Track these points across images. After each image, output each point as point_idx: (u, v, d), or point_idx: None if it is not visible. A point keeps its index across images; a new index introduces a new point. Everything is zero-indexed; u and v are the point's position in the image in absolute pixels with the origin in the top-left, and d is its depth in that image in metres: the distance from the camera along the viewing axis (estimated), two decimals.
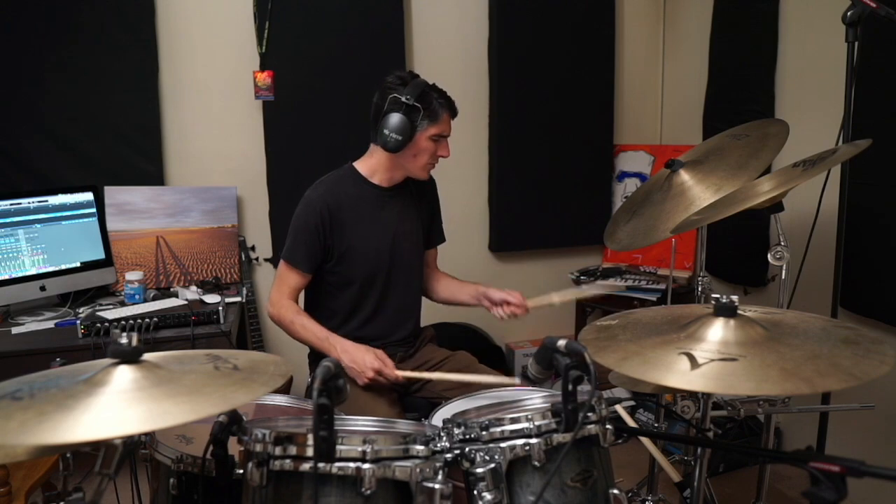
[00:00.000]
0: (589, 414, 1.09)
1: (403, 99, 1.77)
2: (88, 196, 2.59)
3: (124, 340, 0.96)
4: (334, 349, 1.81)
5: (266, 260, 3.00)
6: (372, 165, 1.94)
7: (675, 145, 3.29)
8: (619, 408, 1.72)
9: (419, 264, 2.06)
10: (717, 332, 1.07)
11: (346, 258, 1.91)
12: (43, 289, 2.44)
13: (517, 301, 1.92)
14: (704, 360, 0.99)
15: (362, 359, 1.77)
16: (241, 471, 1.06)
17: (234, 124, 2.90)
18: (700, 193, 1.75)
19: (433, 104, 1.81)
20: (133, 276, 2.50)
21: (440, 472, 1.04)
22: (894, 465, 0.86)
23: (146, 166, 2.77)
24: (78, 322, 2.15)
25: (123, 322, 2.17)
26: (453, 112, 1.87)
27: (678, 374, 0.98)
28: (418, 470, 1.01)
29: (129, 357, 0.95)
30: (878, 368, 0.94)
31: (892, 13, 1.59)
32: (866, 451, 2.26)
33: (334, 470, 0.97)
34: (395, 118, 1.77)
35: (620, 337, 1.15)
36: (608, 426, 1.12)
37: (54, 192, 2.51)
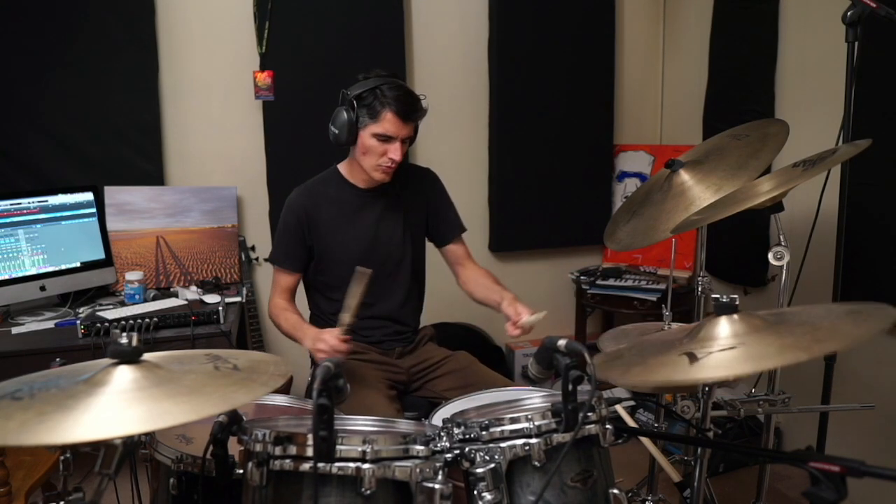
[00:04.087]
0: (589, 414, 1.09)
1: (346, 94, 1.80)
2: (88, 196, 2.59)
3: (124, 340, 0.96)
4: (306, 338, 1.77)
5: (266, 260, 3.00)
6: (348, 167, 1.96)
7: (675, 145, 3.29)
8: (619, 408, 1.72)
9: (408, 267, 2.01)
10: (719, 330, 1.06)
11: (325, 260, 1.94)
12: (43, 289, 2.44)
13: (515, 319, 1.68)
14: (704, 355, 0.99)
15: (318, 338, 1.69)
16: (241, 471, 1.06)
17: (234, 124, 2.90)
18: (700, 193, 1.75)
19: (373, 102, 1.77)
20: (133, 276, 2.50)
21: (440, 472, 1.04)
22: (894, 465, 0.86)
23: (146, 166, 2.77)
24: (78, 322, 2.15)
25: (123, 322, 2.17)
26: (402, 114, 1.77)
27: (679, 370, 0.98)
28: (418, 470, 1.01)
29: (129, 357, 0.95)
30: (880, 324, 0.92)
31: (892, 13, 1.59)
32: (866, 451, 2.26)
33: (334, 470, 0.97)
34: (338, 112, 1.82)
35: (625, 357, 1.16)
36: (608, 426, 1.12)
37: (54, 192, 2.51)
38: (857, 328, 0.93)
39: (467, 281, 2.03)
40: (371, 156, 1.82)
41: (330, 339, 1.64)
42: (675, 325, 1.32)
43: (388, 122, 1.77)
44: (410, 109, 1.79)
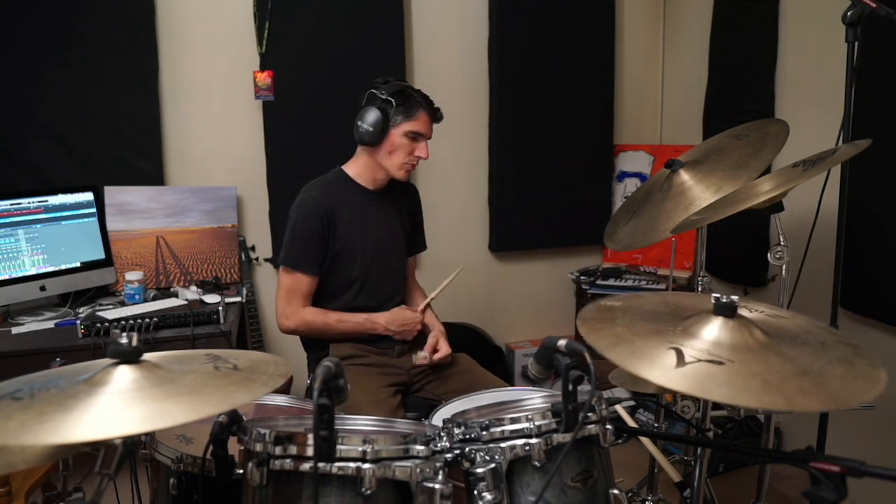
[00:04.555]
0: (589, 414, 1.09)
1: (379, 94, 1.85)
2: (88, 196, 2.59)
3: (124, 340, 0.96)
4: (379, 325, 1.93)
5: (266, 260, 3.00)
6: (357, 167, 1.97)
7: (675, 145, 3.29)
8: (619, 408, 1.72)
9: (403, 268, 2.10)
10: (713, 330, 1.04)
11: (338, 260, 1.93)
12: (43, 289, 2.43)
13: (428, 348, 1.96)
14: (692, 359, 0.97)
15: (403, 320, 1.94)
16: (241, 471, 1.06)
17: (234, 124, 2.90)
18: (700, 193, 1.75)
19: (409, 101, 1.86)
20: (133, 276, 2.50)
21: (440, 472, 1.04)
22: (894, 465, 0.85)
23: (146, 166, 2.77)
24: (78, 322, 2.15)
25: (123, 322, 2.17)
26: (433, 114, 1.90)
27: (661, 370, 0.95)
28: (418, 470, 1.01)
29: (129, 357, 0.95)
30: (864, 395, 0.90)
31: (892, 13, 1.59)
32: (866, 451, 2.26)
33: (334, 470, 0.97)
34: (369, 111, 1.86)
35: (618, 320, 1.12)
36: (608, 426, 1.12)
37: (54, 192, 2.50)
38: (843, 389, 0.91)
39: (409, 295, 2.16)
40: (399, 154, 1.88)
41: (415, 316, 1.96)
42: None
43: (422, 122, 1.88)
44: (437, 110, 1.92)
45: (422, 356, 1.93)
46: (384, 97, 1.84)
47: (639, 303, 1.23)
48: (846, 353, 1.03)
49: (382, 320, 1.93)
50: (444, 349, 1.95)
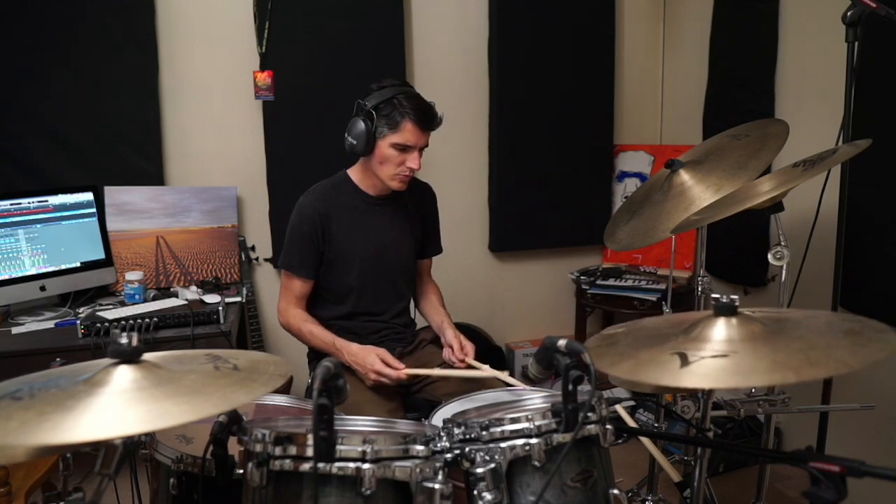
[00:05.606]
0: (589, 414, 1.09)
1: (363, 105, 1.80)
2: (88, 196, 2.59)
3: (124, 340, 0.95)
4: (341, 353, 1.83)
5: (266, 260, 3.00)
6: (359, 173, 1.96)
7: (675, 145, 3.29)
8: (619, 408, 1.72)
9: (409, 274, 2.07)
10: (717, 332, 1.04)
11: (334, 265, 1.93)
12: (43, 289, 2.44)
13: (458, 352, 1.86)
14: (696, 358, 0.97)
15: (364, 361, 1.78)
16: (241, 471, 1.06)
17: (234, 124, 2.90)
18: (700, 193, 1.75)
19: (392, 112, 1.78)
20: (133, 276, 2.51)
21: (440, 472, 1.04)
22: (894, 465, 0.85)
23: (146, 166, 2.78)
24: (78, 322, 2.15)
25: (123, 322, 2.17)
26: (422, 123, 1.80)
27: (667, 373, 0.96)
28: (418, 470, 1.01)
29: (129, 357, 0.95)
30: (875, 355, 0.89)
31: (892, 13, 1.59)
32: (866, 451, 2.26)
33: (334, 470, 0.97)
34: (355, 123, 1.81)
35: (621, 343, 1.13)
36: (608, 426, 1.12)
37: (54, 192, 2.51)
38: (853, 355, 0.90)
39: (420, 292, 2.17)
40: (389, 165, 1.83)
41: (390, 373, 1.75)
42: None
43: (408, 132, 1.79)
44: (429, 119, 1.82)
45: (458, 362, 1.86)
46: (367, 108, 1.79)
47: (641, 326, 1.23)
48: (853, 327, 1.02)
49: (346, 353, 1.82)
50: (470, 352, 1.87)
